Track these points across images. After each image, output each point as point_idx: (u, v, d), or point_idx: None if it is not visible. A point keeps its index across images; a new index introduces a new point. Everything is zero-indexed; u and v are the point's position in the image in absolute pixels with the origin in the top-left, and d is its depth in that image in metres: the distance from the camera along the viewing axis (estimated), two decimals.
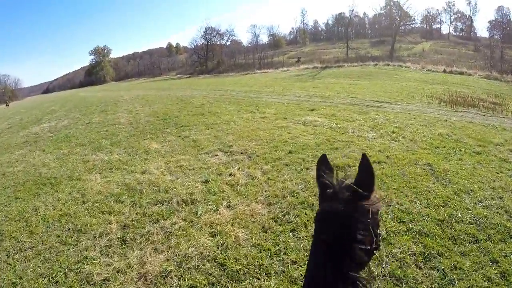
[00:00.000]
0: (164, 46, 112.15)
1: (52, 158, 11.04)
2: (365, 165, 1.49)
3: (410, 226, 5.18)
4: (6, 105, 58.97)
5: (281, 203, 6.14)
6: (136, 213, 6.24)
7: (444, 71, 32.57)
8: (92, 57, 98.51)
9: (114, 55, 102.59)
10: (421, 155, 8.44)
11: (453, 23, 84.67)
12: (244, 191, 6.81)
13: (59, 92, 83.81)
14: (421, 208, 5.70)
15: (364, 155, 1.51)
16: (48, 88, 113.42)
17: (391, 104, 16.34)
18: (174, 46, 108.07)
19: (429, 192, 6.29)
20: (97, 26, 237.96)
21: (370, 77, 28.92)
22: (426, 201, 5.94)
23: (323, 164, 1.65)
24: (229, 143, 10.36)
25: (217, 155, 9.26)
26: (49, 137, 15.09)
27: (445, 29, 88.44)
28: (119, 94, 34.35)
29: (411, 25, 74.67)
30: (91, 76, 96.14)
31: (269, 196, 6.46)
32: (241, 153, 9.23)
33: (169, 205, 6.45)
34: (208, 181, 7.44)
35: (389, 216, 5.48)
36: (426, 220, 5.31)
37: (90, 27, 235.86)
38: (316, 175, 1.63)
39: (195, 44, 79.75)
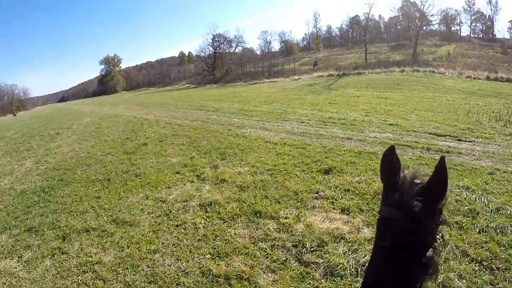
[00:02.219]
0: (177, 55, 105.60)
1: None
2: (441, 169, 1.25)
3: None
4: (13, 115, 59.60)
5: None
6: None
7: (488, 78, 24.95)
8: (102, 66, 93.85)
9: (127, 64, 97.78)
10: None
11: (473, 24, 75.34)
12: None
13: (65, 102, 79.70)
14: None
15: (442, 158, 1.26)
16: (63, 97, 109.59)
17: (461, 140, 8.99)
18: (186, 55, 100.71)
19: None
20: (112, 35, 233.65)
21: (400, 87, 21.28)
22: None
23: (391, 159, 1.41)
24: None
25: None
26: None
27: (465, 30, 79.14)
28: (93, 111, 28.88)
29: (430, 27, 65.46)
30: (104, 85, 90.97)
31: None
32: None
33: None
34: None
35: None
36: None
37: (106, 36, 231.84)
38: (381, 172, 1.43)
39: (203, 53, 72.79)
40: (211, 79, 63.32)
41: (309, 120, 13.04)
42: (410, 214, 1.23)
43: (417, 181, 1.30)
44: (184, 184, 7.25)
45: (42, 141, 16.35)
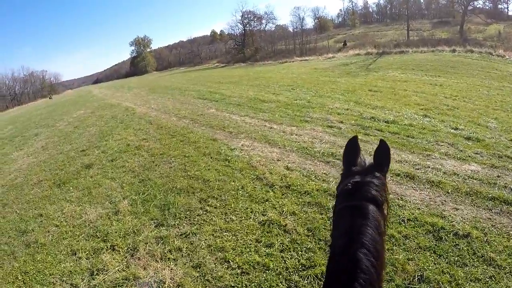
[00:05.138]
0: (208, 34, 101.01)
1: None
2: (385, 149, 1.58)
3: None
4: (49, 97, 59.21)
5: None
6: None
7: None
8: (133, 48, 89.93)
9: (159, 44, 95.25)
10: None
11: None
12: None
13: (93, 85, 78.55)
14: None
15: (382, 141, 1.60)
16: (97, 79, 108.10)
17: None
18: (218, 33, 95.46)
19: None
20: (146, 16, 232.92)
21: (455, 71, 16.12)
22: None
23: (355, 146, 1.64)
24: None
25: None
26: None
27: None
28: (101, 98, 26.00)
29: (475, 3, 57.67)
30: (135, 66, 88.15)
31: None
32: None
33: None
34: None
35: None
36: None
37: (140, 17, 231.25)
38: (346, 155, 1.66)
39: (233, 31, 67.55)
40: (241, 57, 58.58)
41: (341, 121, 8.74)
42: (374, 176, 1.47)
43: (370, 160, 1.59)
44: None
45: (12, 147, 12.84)
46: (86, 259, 4.16)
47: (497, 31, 46.74)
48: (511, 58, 20.70)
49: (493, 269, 3.27)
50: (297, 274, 3.42)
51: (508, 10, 68.18)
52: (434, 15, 68.96)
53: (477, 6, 60.36)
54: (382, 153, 1.55)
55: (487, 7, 65.42)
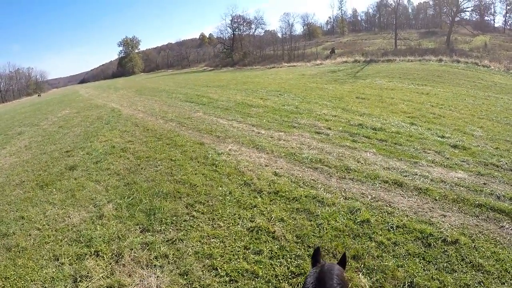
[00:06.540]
0: (197, 37, 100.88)
1: None
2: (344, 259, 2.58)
3: None
4: (38, 95, 60.60)
5: None
6: None
7: None
8: (121, 48, 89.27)
9: (148, 45, 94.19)
10: None
11: (508, 14, 67.55)
12: None
13: (80, 85, 77.79)
14: None
15: (344, 254, 2.66)
16: (84, 79, 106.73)
17: None
18: (207, 36, 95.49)
19: None
20: (135, 16, 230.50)
21: (441, 79, 16.41)
22: None
23: (318, 254, 2.60)
24: None
25: None
26: None
27: (498, 21, 71.90)
28: (87, 99, 25.64)
29: (462, 15, 58.57)
30: (122, 67, 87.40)
31: None
32: None
33: None
34: None
35: None
36: None
37: (129, 17, 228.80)
38: (313, 257, 2.59)
39: (222, 35, 67.68)
40: (229, 61, 58.54)
41: (329, 128, 8.73)
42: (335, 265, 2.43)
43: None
44: None
45: None
46: (69, 265, 4.06)
47: (483, 42, 47.51)
48: (496, 68, 21.10)
49: (481, 275, 3.34)
50: (286, 282, 3.40)
51: (494, 22, 69.06)
52: (422, 25, 69.95)
53: (464, 18, 61.36)
54: (342, 260, 2.40)
55: (473, 19, 66.49)
